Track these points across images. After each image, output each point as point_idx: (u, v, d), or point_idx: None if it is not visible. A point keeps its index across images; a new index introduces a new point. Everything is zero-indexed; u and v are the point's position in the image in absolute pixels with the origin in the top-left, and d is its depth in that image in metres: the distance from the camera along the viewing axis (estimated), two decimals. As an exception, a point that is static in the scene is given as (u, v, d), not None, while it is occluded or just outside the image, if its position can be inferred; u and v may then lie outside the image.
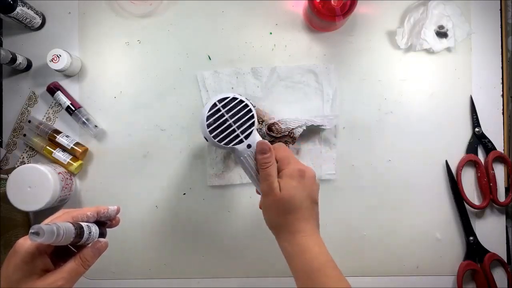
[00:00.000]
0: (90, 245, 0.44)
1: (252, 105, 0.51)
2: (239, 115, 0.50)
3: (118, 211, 0.48)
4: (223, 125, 0.50)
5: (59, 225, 0.38)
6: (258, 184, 0.51)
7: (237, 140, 0.50)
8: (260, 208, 0.52)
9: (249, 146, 0.51)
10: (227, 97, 0.50)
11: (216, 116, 0.50)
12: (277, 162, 0.51)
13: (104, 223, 0.47)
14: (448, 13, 0.66)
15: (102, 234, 0.46)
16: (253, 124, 0.50)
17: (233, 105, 0.50)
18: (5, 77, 0.70)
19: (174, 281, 0.69)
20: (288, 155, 0.51)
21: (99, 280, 0.69)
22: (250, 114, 0.50)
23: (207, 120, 0.50)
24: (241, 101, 0.50)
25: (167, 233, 0.69)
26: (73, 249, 0.45)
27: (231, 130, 0.50)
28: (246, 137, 0.50)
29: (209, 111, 0.50)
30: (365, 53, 0.68)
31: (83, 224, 0.42)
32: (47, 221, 0.43)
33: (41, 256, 0.41)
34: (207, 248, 0.69)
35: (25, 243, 0.40)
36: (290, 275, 0.68)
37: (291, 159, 0.51)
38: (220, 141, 0.50)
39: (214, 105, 0.50)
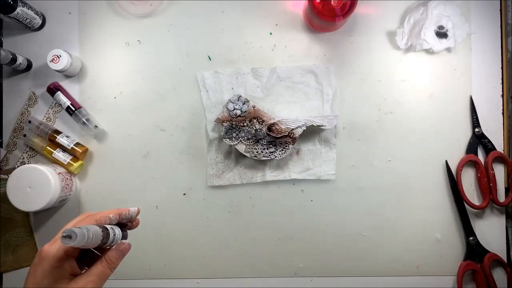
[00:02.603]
0: (114, 247, 0.43)
1: None
2: None
3: (138, 212, 0.48)
4: None
5: (89, 227, 0.38)
6: None
7: None
8: None
9: None
10: None
11: None
12: None
13: (125, 224, 0.47)
14: (448, 13, 0.66)
15: (124, 236, 0.46)
16: None
17: None
18: (5, 77, 0.70)
19: (174, 281, 0.69)
20: None
21: (99, 280, 0.69)
22: None
23: None
24: None
25: (167, 233, 0.69)
26: (97, 252, 0.45)
27: None
28: None
29: None
30: (365, 53, 0.68)
31: (108, 226, 0.42)
32: (71, 224, 0.43)
33: (69, 260, 0.41)
34: (207, 248, 0.69)
35: (51, 248, 0.40)
36: (291, 275, 0.68)
37: None
38: None
39: None
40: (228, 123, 0.65)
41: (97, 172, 0.69)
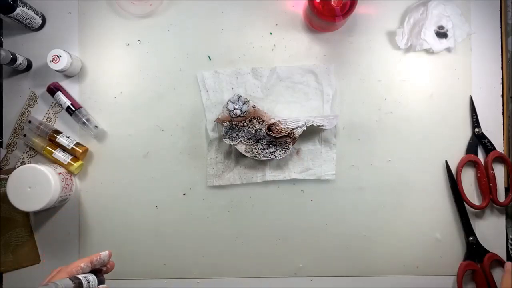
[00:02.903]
0: None
1: None
2: None
3: (110, 255, 0.49)
4: None
5: (57, 282, 0.39)
6: None
7: None
8: None
9: None
10: None
11: None
12: None
13: (100, 270, 0.49)
14: (448, 13, 0.66)
15: (100, 281, 0.47)
16: None
17: None
18: (5, 77, 0.70)
19: (174, 281, 0.69)
20: None
21: (99, 280, 0.69)
22: None
23: None
24: None
25: (167, 233, 0.69)
26: None
27: None
28: None
29: None
30: (365, 53, 0.68)
31: (80, 276, 0.44)
32: (44, 282, 0.44)
33: None
34: (207, 248, 0.69)
35: None
36: (291, 275, 0.68)
37: None
38: None
39: None
40: (228, 123, 0.65)
41: (97, 172, 0.69)
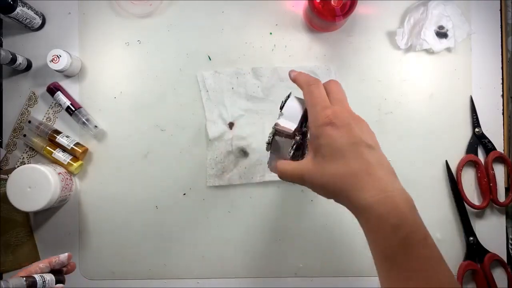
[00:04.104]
0: None
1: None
2: None
3: (70, 257, 0.53)
4: None
5: (8, 281, 0.42)
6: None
7: None
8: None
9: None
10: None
11: None
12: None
13: (60, 270, 0.52)
14: (448, 13, 0.66)
15: (59, 281, 0.50)
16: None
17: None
18: (5, 77, 0.70)
19: (174, 281, 0.69)
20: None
21: (99, 280, 0.69)
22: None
23: None
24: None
25: (167, 234, 0.69)
26: None
27: None
28: None
29: None
30: (365, 53, 0.68)
31: (36, 275, 0.46)
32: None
33: None
34: (207, 248, 0.69)
35: None
36: (291, 275, 0.68)
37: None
38: None
39: None
40: (299, 137, 0.50)
41: (97, 172, 0.69)
